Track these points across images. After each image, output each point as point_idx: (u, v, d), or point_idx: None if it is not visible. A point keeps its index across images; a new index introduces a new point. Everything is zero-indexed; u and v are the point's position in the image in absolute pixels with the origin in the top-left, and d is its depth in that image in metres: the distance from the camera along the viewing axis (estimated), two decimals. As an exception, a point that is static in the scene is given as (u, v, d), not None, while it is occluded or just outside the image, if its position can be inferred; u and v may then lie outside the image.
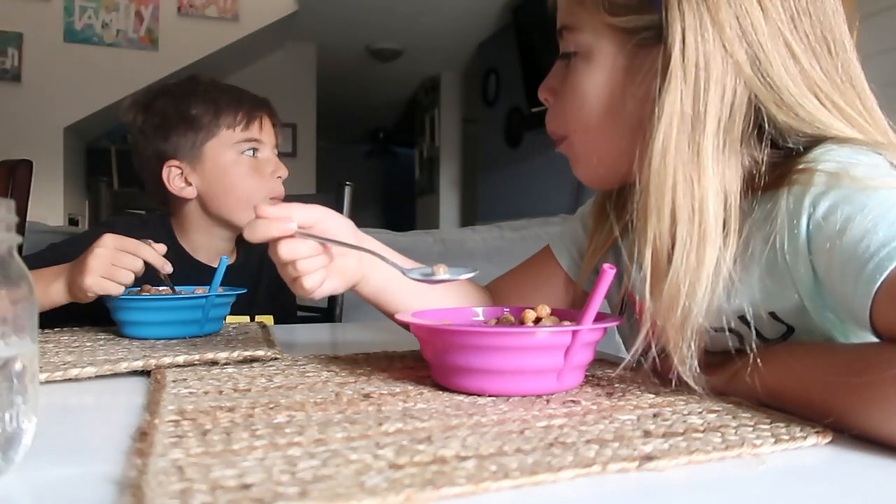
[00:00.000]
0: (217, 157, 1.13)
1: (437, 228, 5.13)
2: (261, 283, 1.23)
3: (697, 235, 0.51)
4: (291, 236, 0.59)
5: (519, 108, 4.47)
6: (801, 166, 0.51)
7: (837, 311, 0.51)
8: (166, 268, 0.86)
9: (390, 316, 0.73)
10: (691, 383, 0.50)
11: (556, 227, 2.01)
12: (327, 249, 0.62)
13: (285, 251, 0.59)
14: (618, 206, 0.69)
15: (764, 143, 0.53)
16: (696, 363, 0.51)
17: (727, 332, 0.55)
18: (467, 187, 5.69)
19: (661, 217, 0.52)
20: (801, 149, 0.53)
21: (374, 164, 8.25)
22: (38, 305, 0.94)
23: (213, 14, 3.78)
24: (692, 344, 0.51)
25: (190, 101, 1.13)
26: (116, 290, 0.82)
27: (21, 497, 0.34)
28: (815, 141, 0.53)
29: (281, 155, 1.20)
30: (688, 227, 0.51)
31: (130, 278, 0.83)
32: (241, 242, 1.24)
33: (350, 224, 0.65)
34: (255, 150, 1.14)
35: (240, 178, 1.13)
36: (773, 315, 0.54)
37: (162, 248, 0.87)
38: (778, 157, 0.54)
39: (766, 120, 0.53)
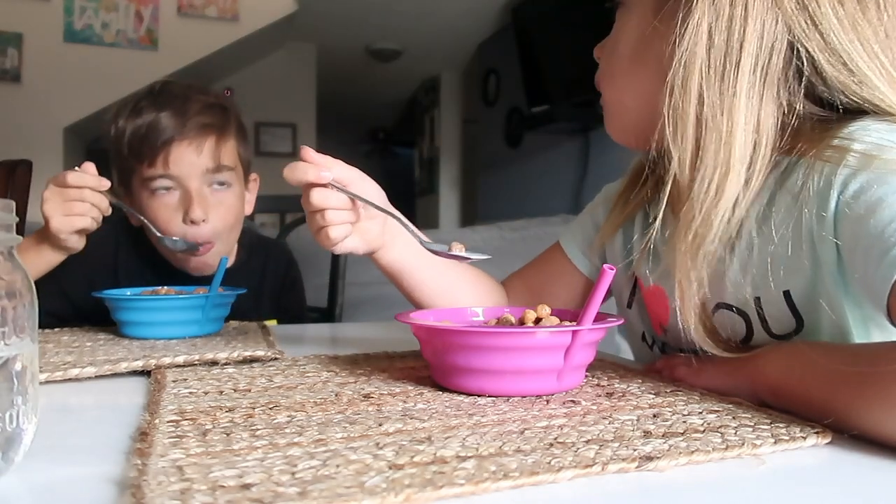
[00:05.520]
0: (137, 194, 1.01)
1: (436, 228, 5.12)
2: (264, 287, 1.21)
3: (723, 167, 0.51)
4: (326, 186, 0.63)
5: (519, 108, 4.47)
6: (835, 142, 0.50)
7: (856, 292, 0.51)
8: (103, 183, 0.85)
9: (404, 292, 0.74)
10: (692, 330, 0.53)
11: (557, 228, 2.01)
12: (355, 207, 0.65)
13: (317, 198, 0.63)
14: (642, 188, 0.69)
15: (802, 90, 0.53)
16: (701, 293, 0.53)
17: (735, 311, 0.54)
18: (467, 187, 5.69)
19: (686, 137, 0.53)
20: (842, 111, 0.52)
21: (374, 164, 8.25)
22: (39, 270, 0.89)
23: (213, 14, 3.78)
24: (702, 272, 0.53)
25: (125, 123, 1.00)
26: (83, 222, 0.84)
27: (21, 497, 0.34)
28: (860, 109, 0.52)
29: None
30: (713, 155, 0.52)
31: (93, 212, 0.84)
32: (242, 243, 1.22)
33: (382, 193, 0.68)
34: (167, 187, 0.99)
35: (154, 217, 1.00)
36: (787, 295, 0.53)
37: (89, 166, 0.85)
38: (820, 115, 0.53)
39: (805, 63, 0.52)
